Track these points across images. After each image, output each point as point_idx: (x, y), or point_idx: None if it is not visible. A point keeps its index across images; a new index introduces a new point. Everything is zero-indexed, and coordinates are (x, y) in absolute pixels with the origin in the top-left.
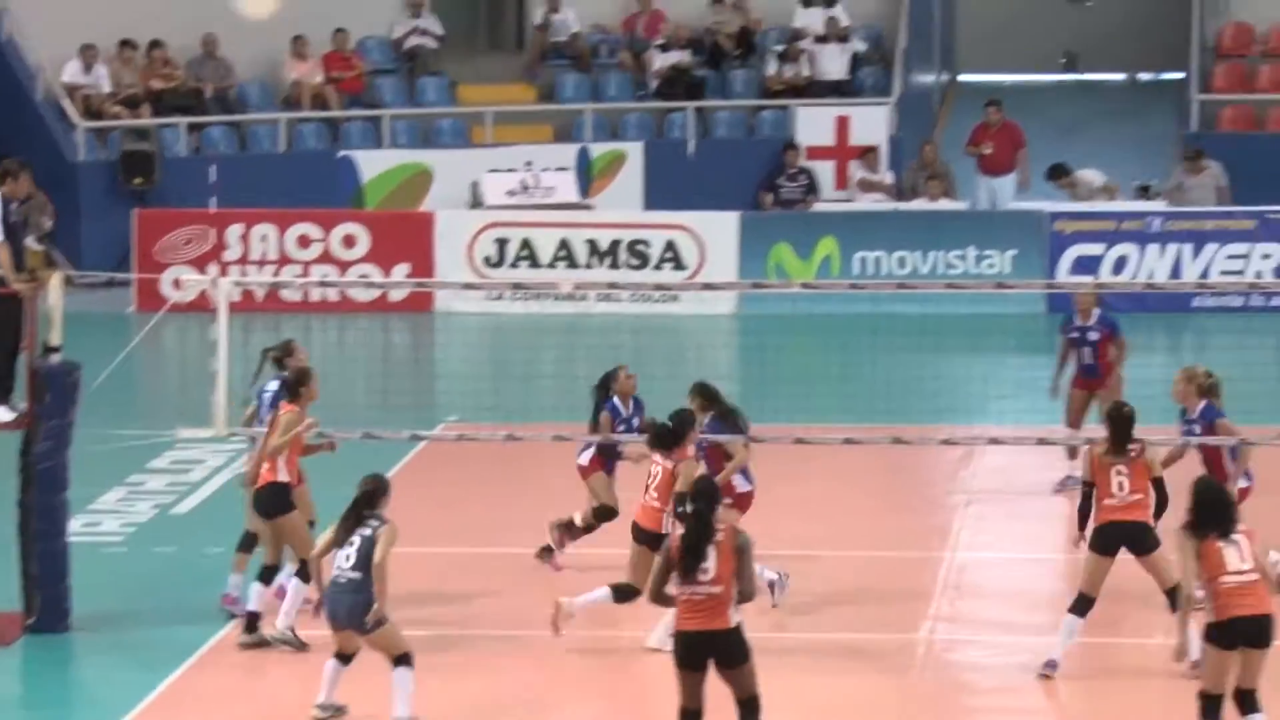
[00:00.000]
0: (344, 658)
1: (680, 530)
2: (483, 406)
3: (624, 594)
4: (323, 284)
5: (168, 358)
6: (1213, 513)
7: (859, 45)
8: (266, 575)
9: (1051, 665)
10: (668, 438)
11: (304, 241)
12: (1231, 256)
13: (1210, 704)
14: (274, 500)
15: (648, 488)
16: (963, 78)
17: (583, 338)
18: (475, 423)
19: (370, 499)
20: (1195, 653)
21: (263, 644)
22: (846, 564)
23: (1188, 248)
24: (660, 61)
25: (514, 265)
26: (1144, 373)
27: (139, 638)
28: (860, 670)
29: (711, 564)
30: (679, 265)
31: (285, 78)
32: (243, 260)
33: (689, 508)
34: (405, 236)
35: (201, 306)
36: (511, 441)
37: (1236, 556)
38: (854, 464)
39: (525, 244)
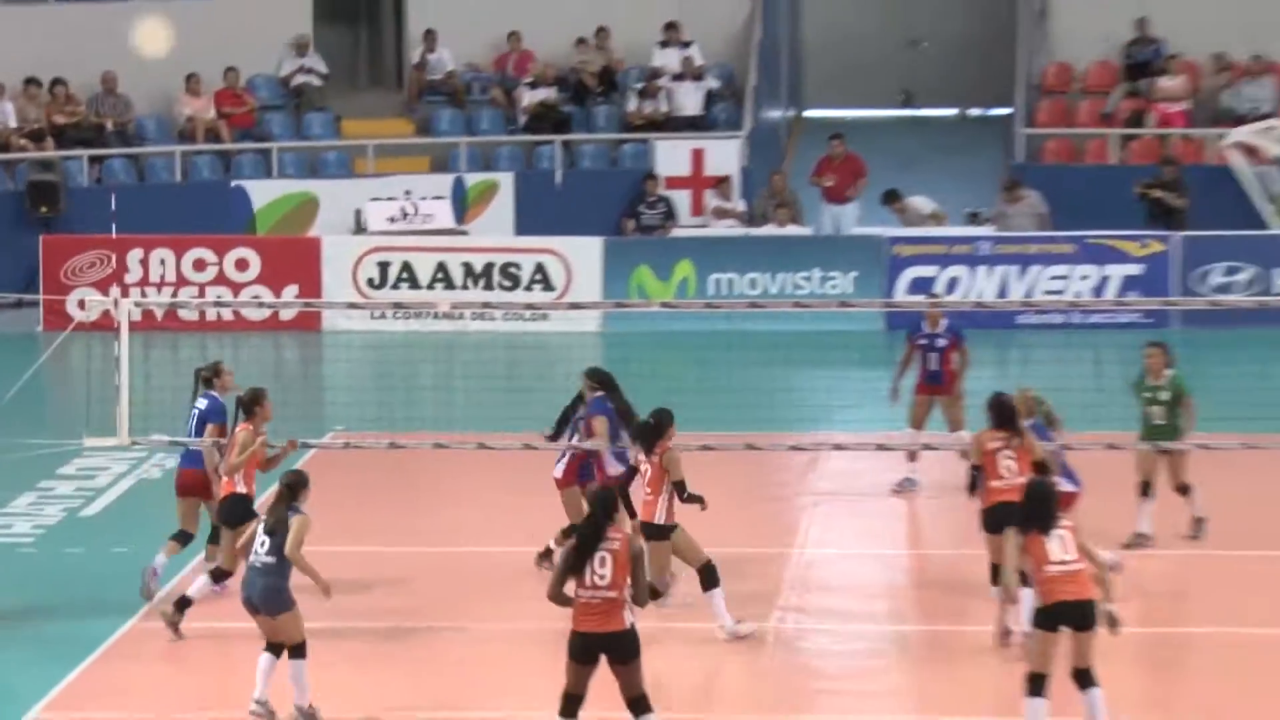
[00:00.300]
0: (275, 649)
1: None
2: (367, 418)
3: (653, 594)
4: (217, 304)
5: (74, 373)
6: (1036, 508)
7: (713, 83)
8: (218, 576)
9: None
10: (650, 434)
11: (199, 265)
12: (1054, 278)
13: (1035, 682)
14: (235, 511)
15: (639, 485)
16: (808, 113)
17: (459, 353)
18: (360, 432)
19: (292, 491)
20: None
21: (176, 627)
22: None
23: (1014, 269)
24: (529, 98)
25: (395, 286)
26: (974, 385)
27: (52, 631)
28: (712, 656)
29: (608, 570)
30: (548, 286)
31: (180, 113)
32: (143, 282)
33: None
34: (294, 260)
35: (104, 325)
36: (394, 449)
37: (1059, 548)
38: (711, 469)
39: (405, 267)
